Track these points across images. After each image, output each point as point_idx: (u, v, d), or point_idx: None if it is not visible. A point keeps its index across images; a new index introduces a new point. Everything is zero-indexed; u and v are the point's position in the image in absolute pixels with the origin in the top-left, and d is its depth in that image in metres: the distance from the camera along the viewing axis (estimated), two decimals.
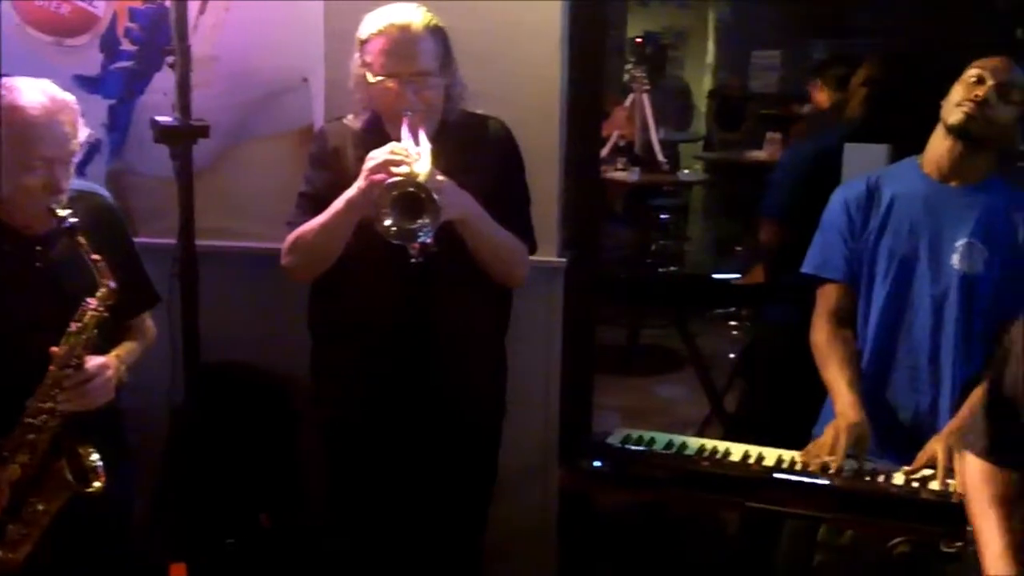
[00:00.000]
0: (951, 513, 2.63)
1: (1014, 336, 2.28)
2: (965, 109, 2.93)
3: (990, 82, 2.92)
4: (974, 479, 2.38)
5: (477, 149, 3.01)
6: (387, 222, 2.67)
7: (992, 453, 2.34)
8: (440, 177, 2.73)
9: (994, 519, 2.29)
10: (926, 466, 2.84)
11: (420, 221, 2.67)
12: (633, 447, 3.01)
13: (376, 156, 2.76)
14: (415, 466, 3.07)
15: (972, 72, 2.96)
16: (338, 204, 2.84)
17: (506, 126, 3.09)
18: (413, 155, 2.72)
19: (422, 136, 2.79)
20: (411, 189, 2.64)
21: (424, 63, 2.87)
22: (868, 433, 2.90)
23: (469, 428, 3.10)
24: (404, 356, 3.00)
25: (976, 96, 2.92)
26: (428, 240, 2.73)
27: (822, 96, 5.32)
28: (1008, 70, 2.95)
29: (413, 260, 2.84)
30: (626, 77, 7.37)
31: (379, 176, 2.72)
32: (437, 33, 2.91)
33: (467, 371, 3.05)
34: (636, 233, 7.63)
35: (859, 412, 2.93)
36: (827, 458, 2.86)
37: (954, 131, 2.97)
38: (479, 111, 3.09)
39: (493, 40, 3.55)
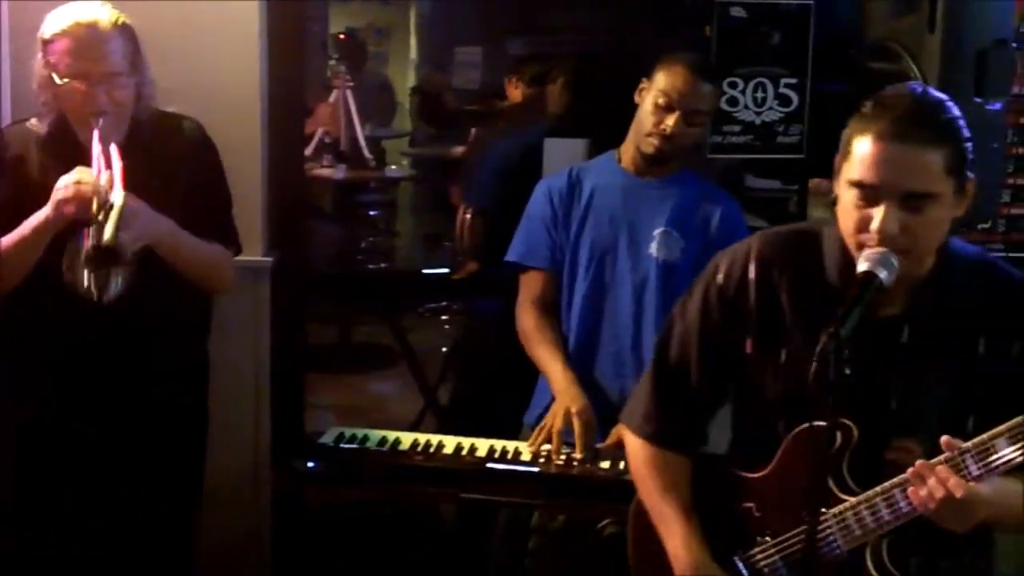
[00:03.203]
0: None
1: (675, 313, 2.32)
2: (655, 142, 3.07)
3: (677, 111, 3.03)
4: (642, 463, 2.33)
5: (171, 150, 2.93)
6: (78, 278, 2.63)
7: (660, 436, 2.31)
8: (133, 204, 2.62)
9: (672, 506, 2.25)
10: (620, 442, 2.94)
11: (112, 282, 2.63)
12: (346, 445, 2.99)
13: (65, 184, 2.63)
14: (113, 474, 2.94)
15: (661, 92, 3.03)
16: (25, 230, 2.71)
17: (201, 126, 3.01)
18: (103, 183, 2.60)
19: (114, 155, 2.67)
20: (101, 246, 2.54)
21: (114, 63, 2.76)
22: (593, 413, 2.99)
23: (169, 435, 3.00)
24: (98, 361, 2.88)
25: (664, 129, 3.03)
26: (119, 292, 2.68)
27: (517, 92, 5.42)
28: (694, 95, 3.04)
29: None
30: (328, 73, 7.31)
31: (69, 208, 2.61)
32: (125, 31, 2.80)
33: (164, 375, 2.96)
34: (345, 230, 7.58)
35: (581, 393, 3.02)
36: (551, 446, 2.94)
37: (647, 159, 3.11)
38: (174, 110, 3.00)
39: (190, 38, 3.47)
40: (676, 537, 2.23)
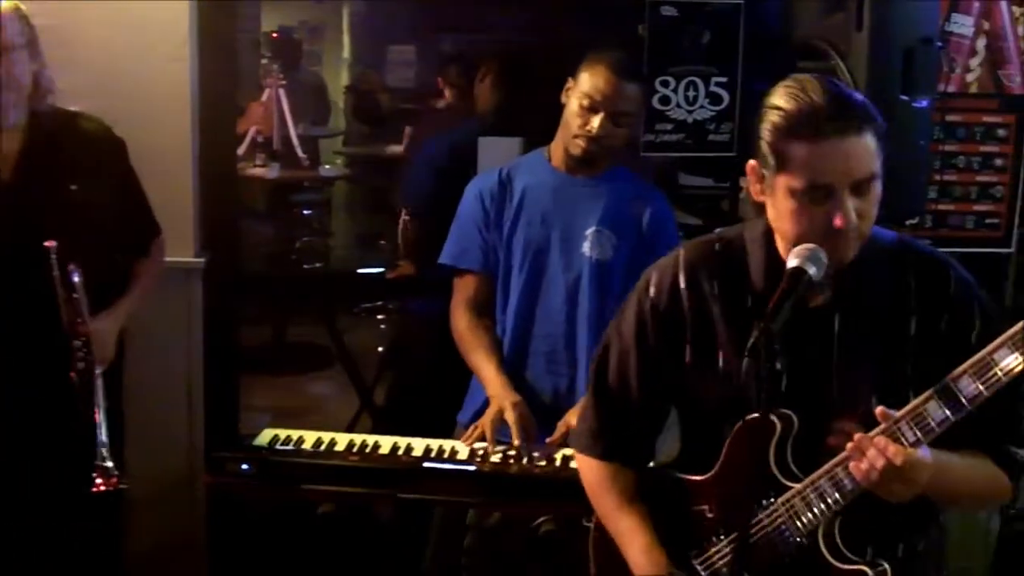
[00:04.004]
0: None
1: (610, 331, 2.34)
2: (581, 144, 3.07)
3: (602, 113, 3.03)
4: (594, 482, 2.35)
5: (74, 147, 2.96)
6: None
7: (608, 453, 2.33)
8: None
9: (629, 519, 2.28)
10: (565, 437, 2.95)
11: None
12: (281, 447, 2.98)
13: None
14: (24, 480, 2.93)
15: (584, 95, 3.03)
16: None
17: (106, 125, 3.04)
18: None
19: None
20: None
21: (9, 37, 2.79)
22: (528, 409, 3.00)
23: (70, 441, 2.97)
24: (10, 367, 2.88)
25: (590, 131, 3.04)
26: None
27: (449, 91, 5.42)
28: (618, 96, 3.04)
29: None
30: (261, 72, 7.26)
31: None
32: (23, 17, 2.86)
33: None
34: (279, 230, 7.52)
35: (514, 392, 3.03)
36: (485, 444, 2.95)
37: (575, 160, 3.11)
38: (100, 110, 3.00)
39: (119, 39, 3.46)
40: (635, 546, 2.25)
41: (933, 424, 1.97)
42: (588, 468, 2.37)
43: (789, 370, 2.02)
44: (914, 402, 1.99)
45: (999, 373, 1.94)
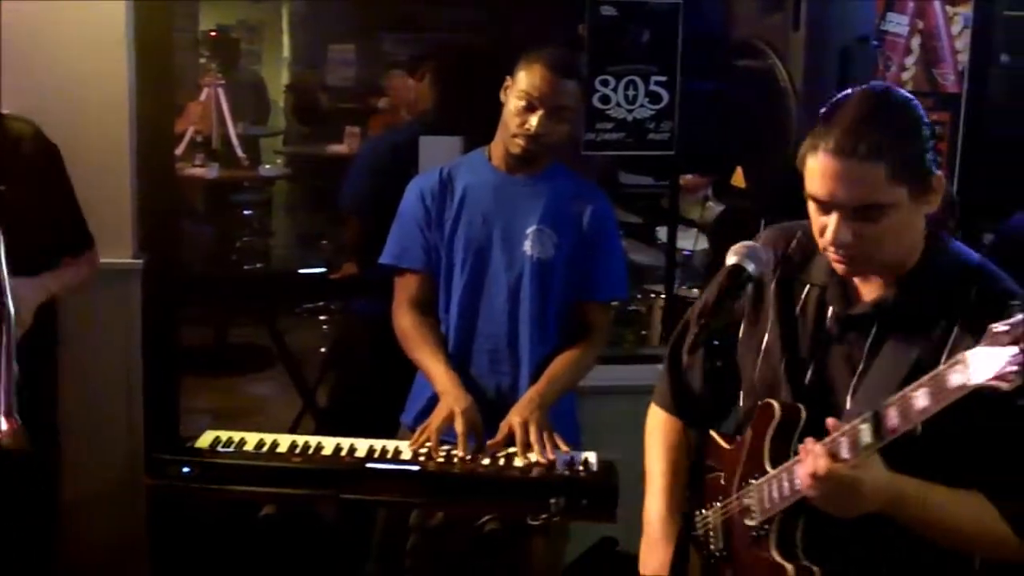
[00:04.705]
0: (535, 488, 2.76)
1: (693, 308, 2.39)
2: (521, 143, 3.05)
3: (540, 110, 3.01)
4: (651, 425, 2.51)
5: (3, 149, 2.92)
6: None
7: (674, 409, 2.46)
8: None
9: (661, 464, 2.43)
10: (509, 438, 2.96)
11: None
12: (223, 449, 2.95)
13: None
14: None
15: (522, 92, 3.01)
16: None
17: (34, 125, 3.00)
18: None
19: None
20: None
21: None
22: (477, 412, 3.00)
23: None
24: None
25: (528, 129, 3.02)
26: None
27: (389, 90, 5.41)
28: (556, 93, 3.01)
29: None
30: (199, 71, 7.21)
31: None
32: None
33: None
34: (218, 230, 7.47)
35: (465, 392, 3.02)
36: (429, 443, 2.93)
37: (515, 159, 3.11)
38: (30, 111, 2.96)
39: (54, 39, 3.43)
40: (654, 495, 2.41)
41: (861, 446, 1.94)
42: (652, 415, 2.53)
43: (816, 367, 2.09)
44: (853, 422, 1.97)
45: (913, 412, 1.87)
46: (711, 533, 2.28)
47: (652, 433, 2.51)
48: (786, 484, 2.07)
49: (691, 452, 2.28)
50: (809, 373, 2.13)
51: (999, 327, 1.73)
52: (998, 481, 2.01)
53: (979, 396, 1.79)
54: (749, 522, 2.16)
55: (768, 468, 2.13)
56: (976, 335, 1.81)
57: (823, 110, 2.05)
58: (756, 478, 2.15)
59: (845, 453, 1.96)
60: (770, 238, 2.28)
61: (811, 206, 2.05)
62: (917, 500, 1.99)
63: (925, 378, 1.86)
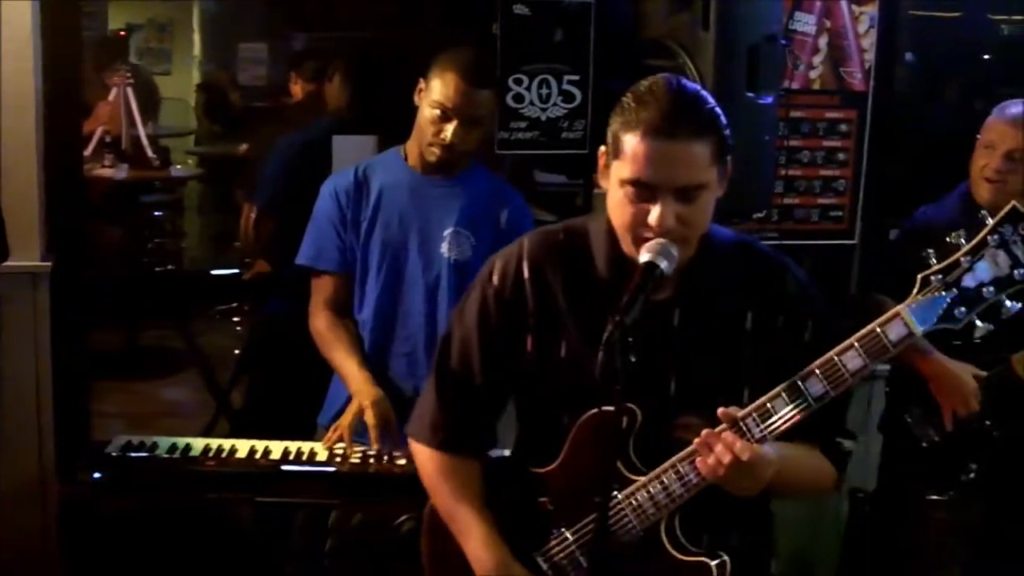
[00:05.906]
0: None
1: (452, 318, 2.34)
2: (436, 152, 3.05)
3: (454, 121, 3.00)
4: (433, 473, 2.31)
5: None
6: None
7: (448, 444, 2.30)
8: None
9: (468, 511, 2.25)
10: None
11: None
12: (135, 454, 2.92)
13: None
14: None
15: (436, 103, 3.00)
16: None
17: None
18: None
19: None
20: None
21: None
22: (390, 406, 2.98)
23: None
24: None
25: (444, 139, 3.02)
26: None
27: (298, 88, 5.37)
28: (469, 103, 3.00)
29: None
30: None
31: None
32: None
33: None
34: (129, 232, 7.36)
35: (377, 388, 3.01)
36: (342, 442, 2.93)
37: (431, 168, 3.10)
38: None
39: None
40: (474, 539, 2.23)
41: (779, 421, 2.02)
42: (426, 458, 2.33)
43: (627, 362, 2.00)
44: (761, 399, 2.04)
45: (846, 374, 2.01)
46: (569, 568, 2.21)
47: (437, 482, 2.30)
48: (676, 483, 2.08)
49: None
50: (632, 371, 1.95)
51: (931, 277, 1.94)
52: (815, 424, 2.10)
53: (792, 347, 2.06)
54: (625, 537, 2.13)
55: (630, 476, 2.12)
56: (765, 303, 2.13)
57: (624, 98, 2.07)
58: (617, 490, 2.11)
59: (758, 433, 2.02)
60: (542, 242, 2.26)
61: (623, 195, 2.05)
62: (781, 460, 2.07)
63: (850, 340, 1.99)
